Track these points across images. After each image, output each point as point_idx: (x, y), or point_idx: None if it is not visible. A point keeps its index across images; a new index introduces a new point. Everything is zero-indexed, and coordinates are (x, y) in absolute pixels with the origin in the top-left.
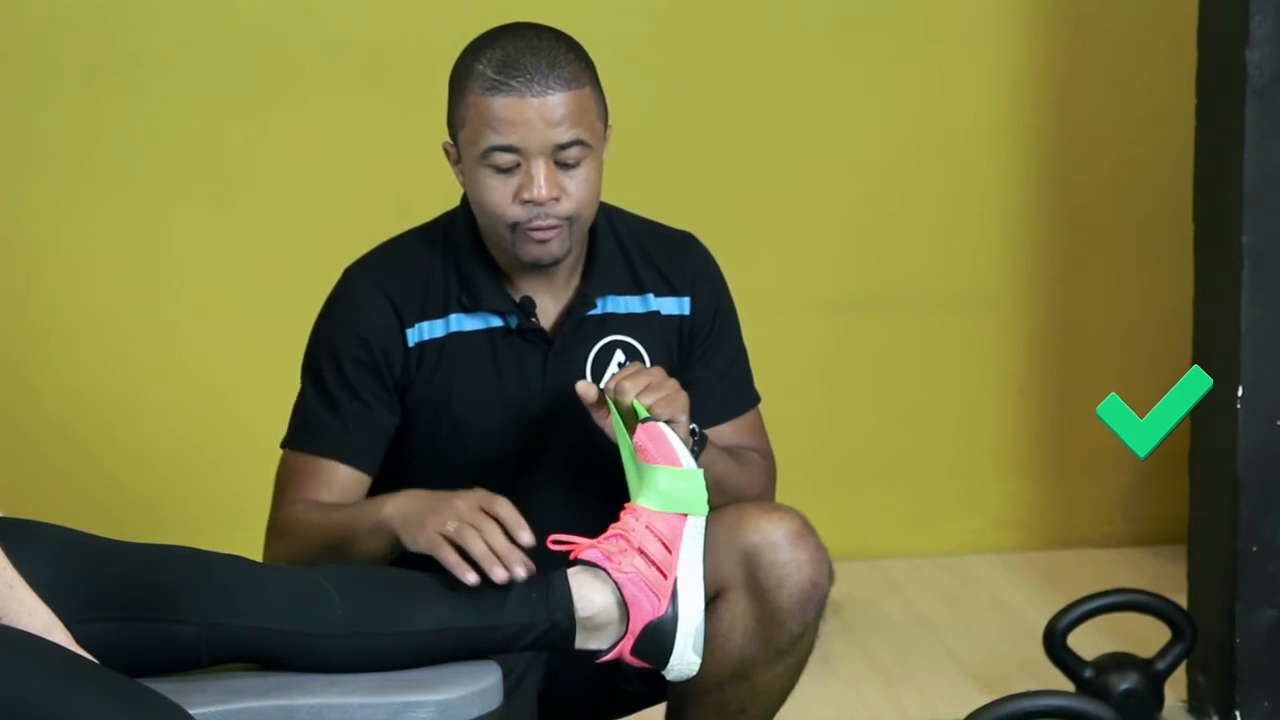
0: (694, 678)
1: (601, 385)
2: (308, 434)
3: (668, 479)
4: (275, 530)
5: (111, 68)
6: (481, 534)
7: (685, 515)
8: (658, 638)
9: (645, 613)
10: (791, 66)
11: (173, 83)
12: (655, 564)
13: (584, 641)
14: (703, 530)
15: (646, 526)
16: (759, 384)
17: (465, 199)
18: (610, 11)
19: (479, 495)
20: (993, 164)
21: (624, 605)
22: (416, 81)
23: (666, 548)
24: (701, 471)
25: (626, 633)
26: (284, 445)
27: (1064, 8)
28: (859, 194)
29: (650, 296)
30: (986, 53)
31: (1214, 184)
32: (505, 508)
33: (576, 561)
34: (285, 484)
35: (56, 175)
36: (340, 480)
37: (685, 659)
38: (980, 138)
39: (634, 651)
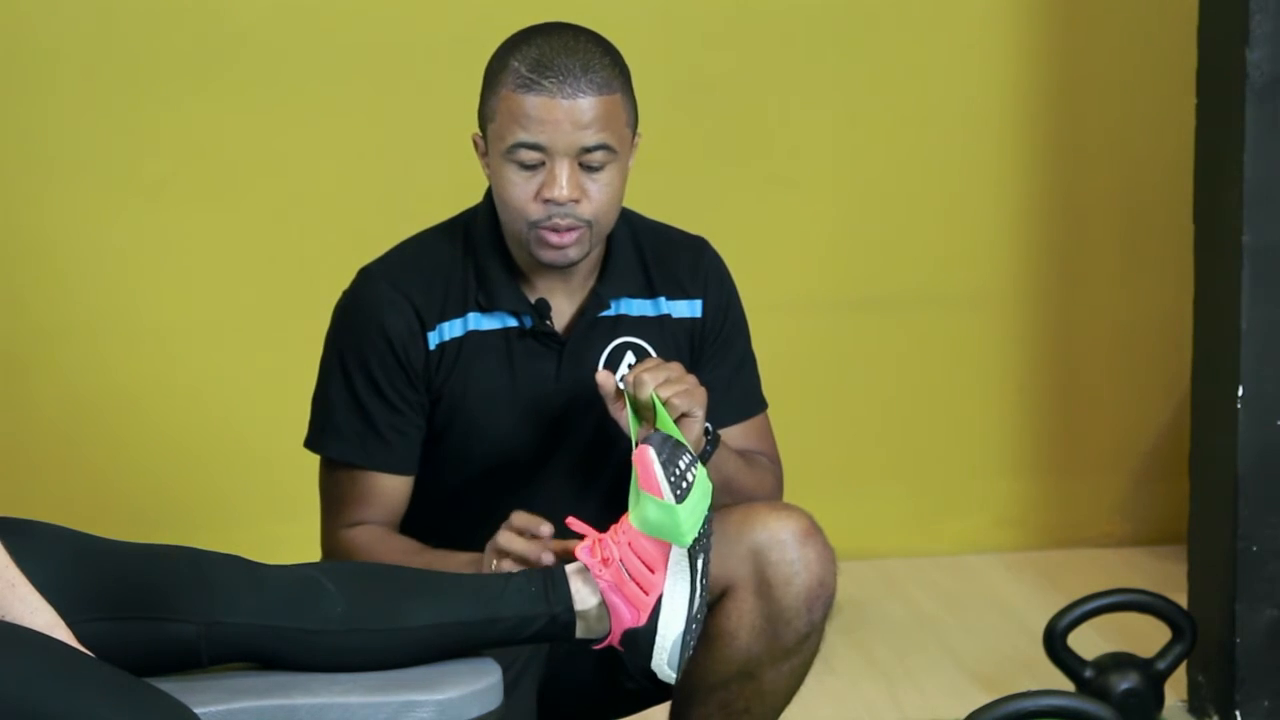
0: (700, 676)
1: (619, 377)
2: (350, 446)
3: (650, 508)
4: (338, 553)
5: (111, 67)
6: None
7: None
8: (636, 646)
9: (624, 620)
10: (791, 66)
11: (173, 82)
12: (635, 579)
13: (583, 633)
14: (687, 558)
15: (629, 544)
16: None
17: (487, 196)
18: (613, 11)
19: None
20: (993, 164)
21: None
22: (419, 80)
23: (649, 568)
24: (680, 508)
25: (610, 634)
26: (322, 453)
27: (1064, 8)
28: (860, 194)
29: (662, 300)
30: (987, 53)
31: (1214, 184)
32: (519, 519)
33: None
34: (336, 500)
35: (56, 175)
36: (388, 490)
37: (661, 671)
38: (980, 138)
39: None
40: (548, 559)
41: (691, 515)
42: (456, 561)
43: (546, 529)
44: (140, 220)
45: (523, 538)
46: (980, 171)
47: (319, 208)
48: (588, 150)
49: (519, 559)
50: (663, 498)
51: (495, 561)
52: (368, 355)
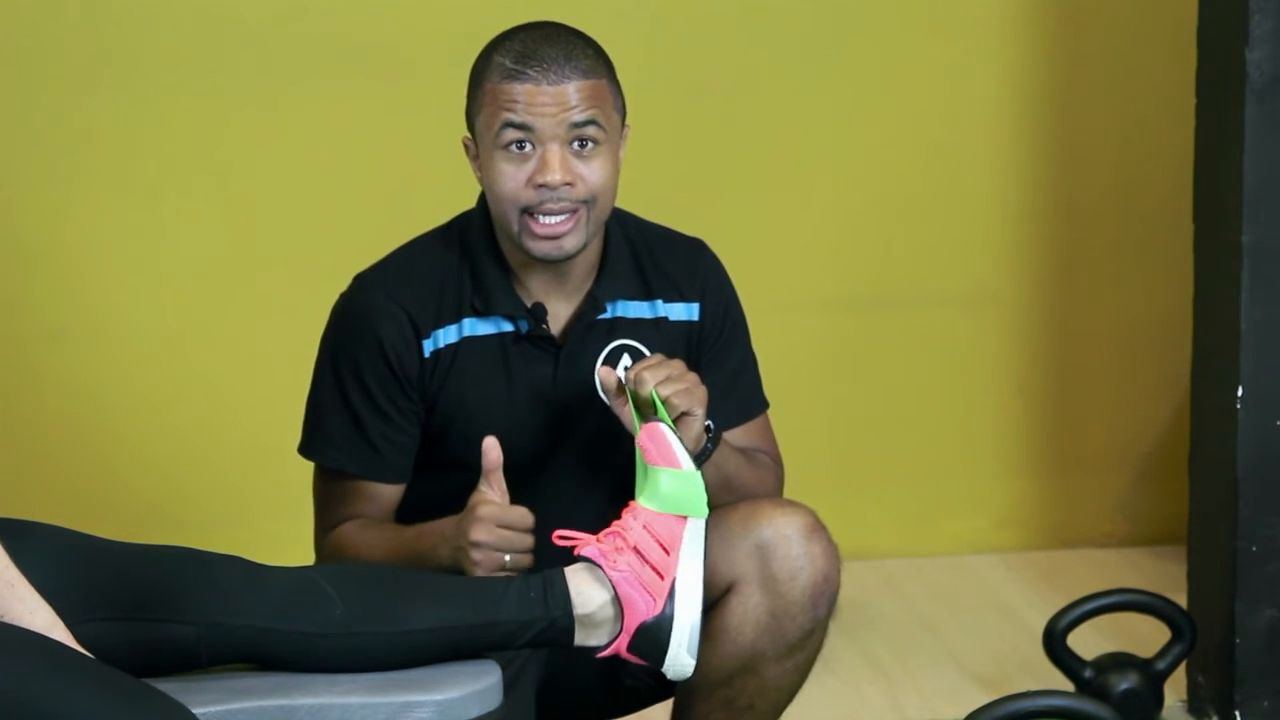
0: (704, 672)
1: (621, 374)
2: (342, 454)
3: (667, 480)
4: (326, 552)
5: (110, 66)
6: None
7: (685, 517)
8: (652, 637)
9: (639, 612)
10: (791, 66)
11: (172, 80)
12: (651, 564)
13: (583, 638)
14: (703, 533)
15: (644, 526)
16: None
17: (481, 200)
18: (610, 12)
19: (483, 521)
20: (993, 164)
21: (619, 603)
22: (418, 80)
23: (664, 549)
24: (700, 474)
25: (621, 631)
26: (315, 460)
27: (1064, 8)
28: (859, 194)
29: (659, 302)
30: (987, 53)
31: (1214, 184)
32: (488, 511)
33: (579, 558)
34: (327, 505)
35: (56, 174)
36: (379, 497)
37: (679, 660)
38: (980, 137)
39: (630, 649)
40: (526, 541)
41: (705, 486)
42: (438, 531)
43: (526, 517)
44: (140, 218)
45: (500, 530)
46: (980, 171)
47: (320, 205)
48: (577, 125)
49: (502, 549)
50: (682, 467)
51: (476, 556)
52: (361, 364)
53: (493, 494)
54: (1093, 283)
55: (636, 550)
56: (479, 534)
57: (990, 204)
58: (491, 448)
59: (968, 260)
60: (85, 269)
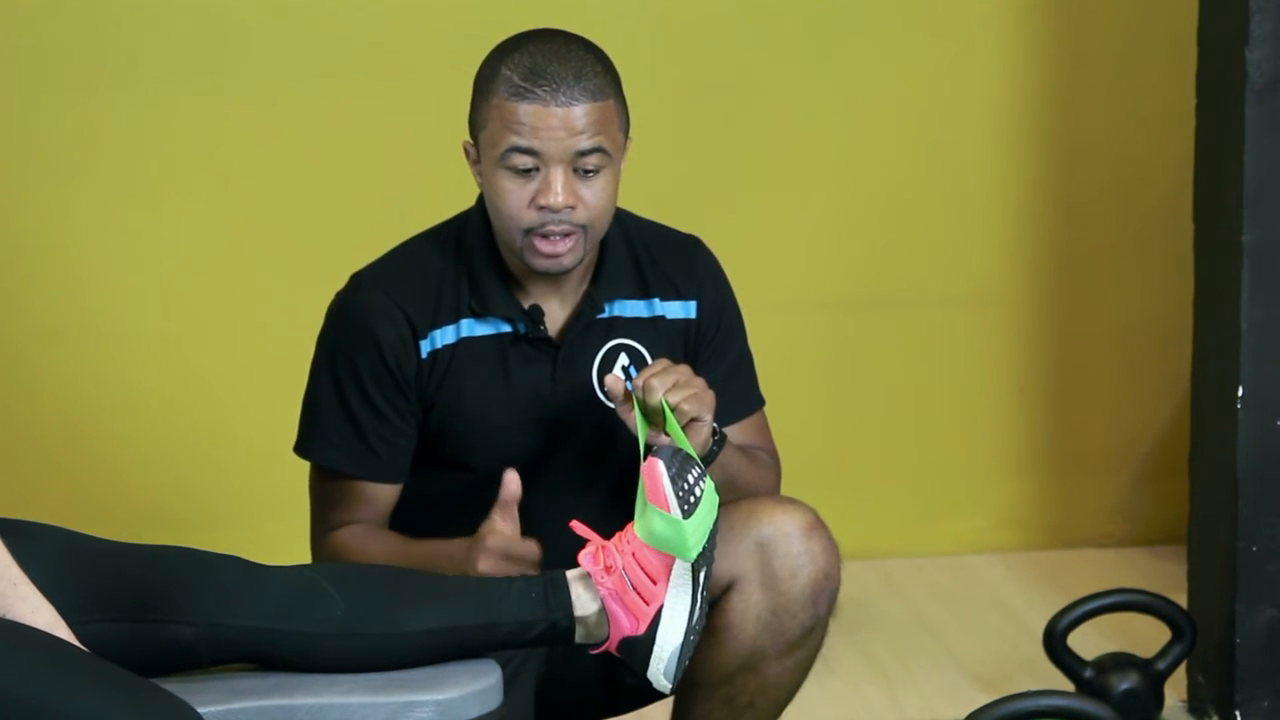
0: (704, 670)
1: (628, 381)
2: (338, 454)
3: (658, 522)
4: (325, 554)
5: (111, 66)
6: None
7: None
8: (633, 654)
9: (623, 628)
10: (792, 67)
11: (172, 80)
12: (637, 589)
13: (582, 637)
14: (689, 572)
15: (633, 554)
16: (759, 383)
17: (479, 201)
18: (611, 12)
19: (491, 552)
20: (993, 164)
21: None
22: (418, 81)
23: (651, 579)
24: (687, 523)
25: (608, 640)
26: (311, 459)
27: (1064, 8)
28: (859, 194)
29: (656, 301)
30: (987, 53)
31: (1214, 184)
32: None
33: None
34: (324, 505)
35: (56, 174)
36: (376, 497)
37: (656, 681)
38: (980, 138)
39: (618, 651)
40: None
41: (697, 530)
42: (445, 552)
43: (534, 550)
44: (140, 218)
45: (506, 563)
46: (981, 172)
47: (320, 204)
48: (582, 154)
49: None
50: (670, 512)
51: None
52: (359, 364)
53: (504, 525)
54: (1093, 283)
55: (624, 572)
56: (485, 565)
57: (990, 204)
58: (511, 480)
59: (968, 260)
60: (84, 269)
